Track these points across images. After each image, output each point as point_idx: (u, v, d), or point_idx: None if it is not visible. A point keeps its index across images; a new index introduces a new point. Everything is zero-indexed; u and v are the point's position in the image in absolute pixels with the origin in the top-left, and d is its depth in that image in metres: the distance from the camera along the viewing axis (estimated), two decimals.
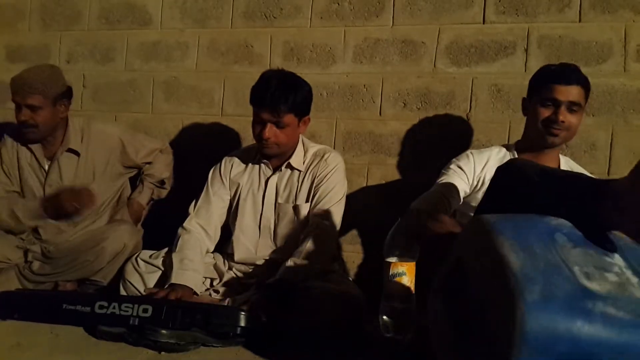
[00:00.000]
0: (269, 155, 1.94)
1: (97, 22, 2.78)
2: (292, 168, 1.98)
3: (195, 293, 1.80)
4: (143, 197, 2.35)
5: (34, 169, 2.18)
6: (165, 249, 1.98)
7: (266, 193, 1.98)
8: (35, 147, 2.18)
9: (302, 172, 1.97)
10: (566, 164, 1.90)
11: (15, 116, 2.07)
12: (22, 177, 2.19)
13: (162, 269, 1.91)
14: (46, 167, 2.18)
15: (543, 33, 2.20)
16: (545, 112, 1.75)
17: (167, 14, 2.67)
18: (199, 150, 2.56)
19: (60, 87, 2.12)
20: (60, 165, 2.17)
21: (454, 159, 1.89)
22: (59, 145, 2.18)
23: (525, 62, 2.20)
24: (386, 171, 2.36)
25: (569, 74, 1.75)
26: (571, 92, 1.73)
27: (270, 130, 1.85)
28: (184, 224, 1.98)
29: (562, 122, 1.72)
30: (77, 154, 2.18)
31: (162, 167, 2.39)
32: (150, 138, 2.45)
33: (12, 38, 2.90)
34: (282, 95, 1.82)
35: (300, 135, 2.02)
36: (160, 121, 2.66)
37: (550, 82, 1.74)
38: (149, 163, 2.37)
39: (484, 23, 2.26)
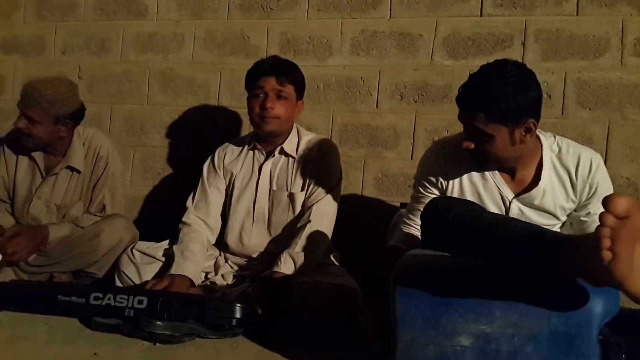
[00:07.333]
0: (269, 131, 1.94)
1: (93, 13, 2.76)
2: (285, 154, 1.98)
3: (193, 284, 1.81)
4: (57, 231, 2.04)
5: (30, 176, 2.16)
6: (163, 241, 1.98)
7: (260, 179, 1.98)
8: (37, 156, 2.14)
9: (296, 160, 1.97)
10: (551, 164, 1.58)
11: (15, 120, 2.04)
12: (16, 184, 2.17)
13: (159, 259, 1.91)
14: (42, 178, 2.15)
15: (540, 26, 2.19)
16: None
17: (163, 5, 2.65)
18: (195, 142, 2.55)
19: (68, 108, 2.05)
20: (57, 180, 2.14)
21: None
22: (60, 159, 2.14)
23: (523, 56, 2.20)
24: (383, 164, 2.36)
25: None
26: None
27: (272, 101, 1.89)
28: (184, 219, 1.98)
29: None
30: (77, 171, 2.15)
31: (88, 221, 2.12)
32: (118, 201, 2.21)
33: (7, 29, 2.88)
34: (285, 66, 1.94)
35: (295, 123, 2.03)
36: (155, 112, 2.65)
37: None
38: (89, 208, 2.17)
39: (481, 16, 2.26)
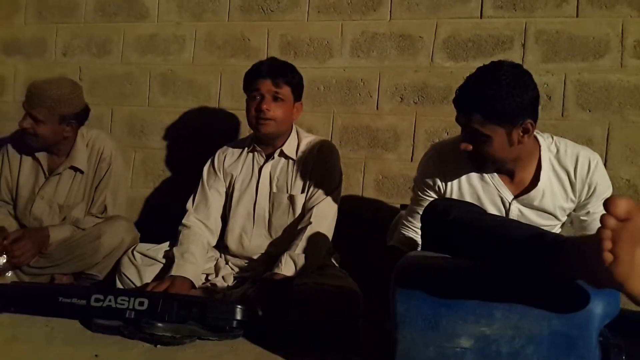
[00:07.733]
0: (266, 133, 1.93)
1: (94, 14, 2.77)
2: (285, 156, 1.98)
3: (193, 286, 1.81)
4: (58, 233, 2.05)
5: (33, 177, 2.16)
6: (164, 243, 1.98)
7: (260, 182, 1.98)
8: (41, 156, 2.15)
9: (296, 162, 1.97)
10: (550, 165, 1.58)
11: (19, 120, 2.03)
12: (19, 184, 2.17)
13: (159, 261, 1.91)
14: (45, 178, 2.15)
15: (540, 28, 2.19)
16: None
17: (164, 7, 2.66)
18: (195, 144, 2.55)
19: (73, 108, 2.06)
20: (60, 180, 2.15)
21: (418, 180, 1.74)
22: (63, 159, 2.15)
23: (523, 57, 2.20)
24: (383, 165, 2.36)
25: None
26: None
27: (268, 102, 1.88)
28: (183, 221, 1.98)
29: None
30: (80, 172, 2.16)
31: (90, 223, 2.12)
32: (120, 202, 2.22)
33: (8, 31, 2.89)
34: (281, 68, 1.93)
35: (294, 125, 2.03)
36: (156, 114, 2.65)
37: None
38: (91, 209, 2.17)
39: (481, 18, 2.26)
